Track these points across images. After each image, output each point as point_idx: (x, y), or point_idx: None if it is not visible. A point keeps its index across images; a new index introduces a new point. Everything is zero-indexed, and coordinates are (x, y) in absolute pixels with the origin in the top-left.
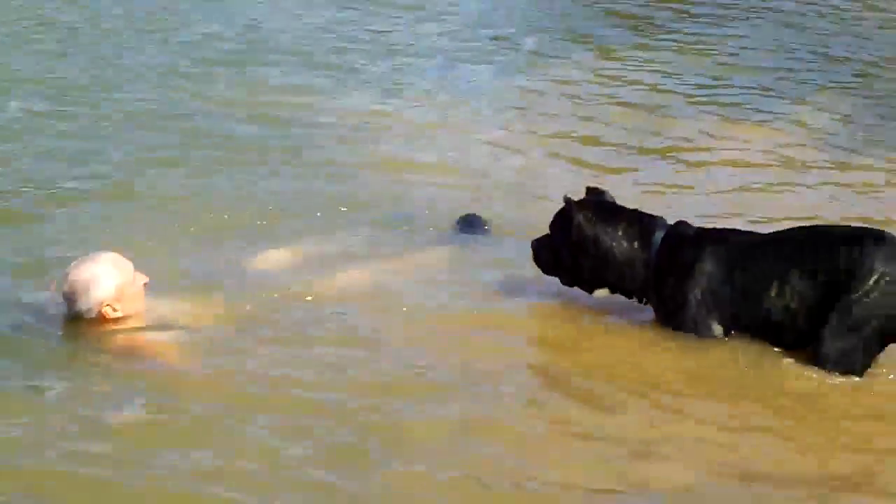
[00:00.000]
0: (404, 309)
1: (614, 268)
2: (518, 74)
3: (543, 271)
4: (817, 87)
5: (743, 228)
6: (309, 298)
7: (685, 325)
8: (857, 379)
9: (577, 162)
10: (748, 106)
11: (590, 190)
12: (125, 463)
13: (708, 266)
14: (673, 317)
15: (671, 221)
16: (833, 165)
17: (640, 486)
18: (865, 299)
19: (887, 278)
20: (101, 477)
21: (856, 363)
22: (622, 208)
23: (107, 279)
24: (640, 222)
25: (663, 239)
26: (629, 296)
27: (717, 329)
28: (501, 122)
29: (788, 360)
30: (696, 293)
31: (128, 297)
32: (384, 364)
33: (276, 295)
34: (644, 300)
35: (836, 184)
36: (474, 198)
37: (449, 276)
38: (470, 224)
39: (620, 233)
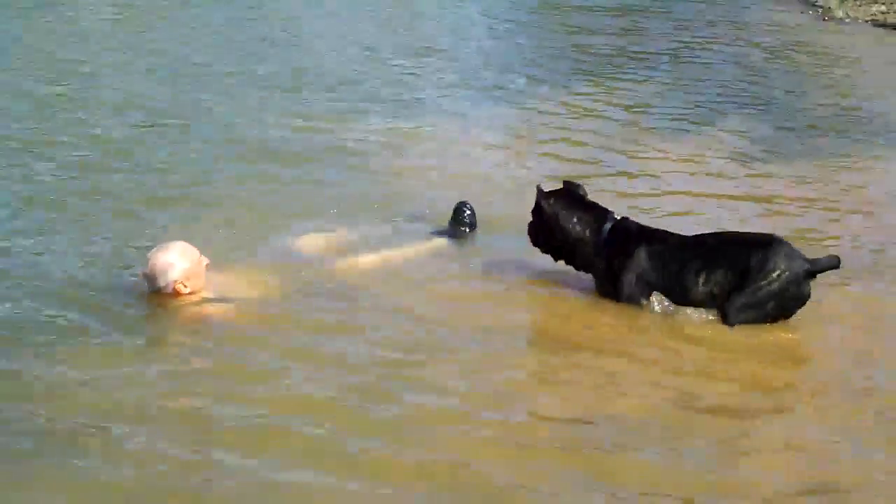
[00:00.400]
0: (416, 284)
1: (568, 245)
2: (510, 104)
3: (533, 243)
4: (727, 113)
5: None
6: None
7: (622, 298)
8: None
9: (552, 170)
10: (678, 127)
11: (565, 182)
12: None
13: (643, 256)
14: (612, 291)
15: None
16: (741, 174)
17: (605, 415)
18: (769, 287)
19: (785, 274)
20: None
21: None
22: (583, 199)
23: (178, 263)
24: (594, 213)
25: (610, 230)
26: (577, 268)
27: (645, 302)
28: (498, 140)
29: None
30: (631, 277)
31: (194, 276)
32: (406, 325)
33: (311, 273)
34: (588, 272)
35: (744, 189)
36: (473, 196)
37: (450, 261)
38: (458, 215)
39: (576, 219)
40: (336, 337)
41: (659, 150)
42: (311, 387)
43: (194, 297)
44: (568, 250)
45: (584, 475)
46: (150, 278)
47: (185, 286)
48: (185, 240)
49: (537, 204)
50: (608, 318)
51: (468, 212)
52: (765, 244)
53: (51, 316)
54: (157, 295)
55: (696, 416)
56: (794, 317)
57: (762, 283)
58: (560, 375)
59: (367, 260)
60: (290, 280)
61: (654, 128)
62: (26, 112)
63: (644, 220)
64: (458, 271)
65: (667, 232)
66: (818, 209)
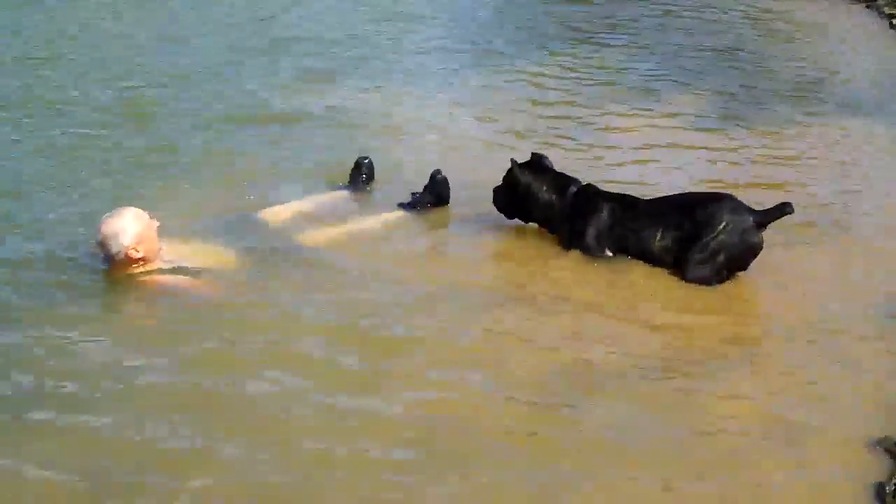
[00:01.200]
0: (384, 249)
1: (538, 209)
2: (487, 67)
3: (496, 208)
4: (704, 76)
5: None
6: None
7: (585, 250)
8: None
9: (528, 132)
10: (652, 90)
11: (533, 154)
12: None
13: (604, 214)
14: (575, 243)
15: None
16: (715, 133)
17: (579, 363)
18: (716, 240)
19: (731, 226)
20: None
21: (710, 280)
22: (550, 169)
23: (129, 228)
24: (560, 180)
25: (574, 193)
26: (546, 228)
27: (607, 253)
28: (474, 101)
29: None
30: (593, 231)
31: (146, 240)
32: (374, 285)
33: (275, 241)
34: (554, 232)
35: (714, 149)
36: (446, 158)
37: (420, 226)
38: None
39: (545, 186)
40: (301, 300)
41: (634, 111)
42: (281, 347)
43: (150, 266)
44: (538, 215)
45: (560, 420)
46: (103, 245)
47: (138, 251)
48: (147, 207)
49: (513, 175)
50: (574, 275)
51: (367, 161)
52: (711, 200)
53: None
54: (113, 267)
55: (665, 365)
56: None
57: (710, 236)
58: (532, 328)
59: (331, 231)
60: (253, 248)
61: (631, 88)
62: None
63: (616, 176)
64: (427, 235)
65: (627, 195)
66: (787, 166)
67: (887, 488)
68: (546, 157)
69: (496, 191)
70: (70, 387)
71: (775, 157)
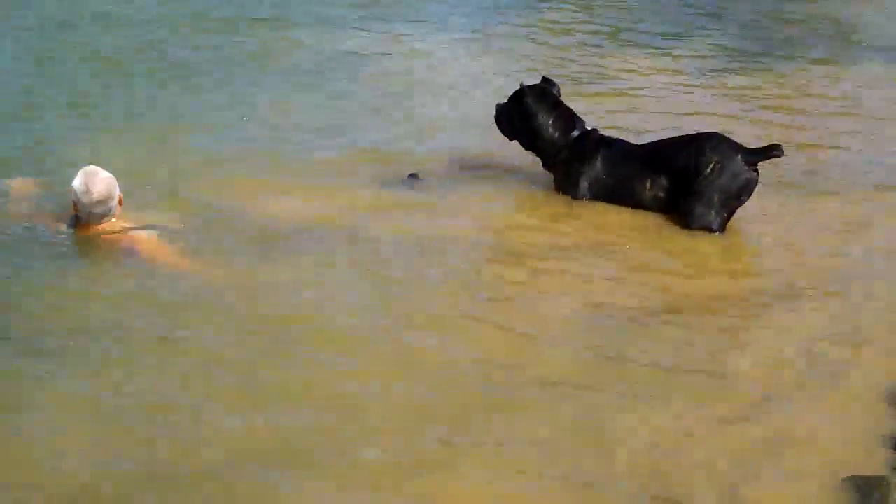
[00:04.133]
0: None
1: (540, 141)
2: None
3: (497, 125)
4: (705, 28)
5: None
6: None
7: (576, 197)
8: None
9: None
10: (654, 41)
11: (544, 79)
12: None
13: (598, 162)
14: (568, 190)
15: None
16: (716, 81)
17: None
18: (708, 180)
19: (719, 165)
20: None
21: (712, 223)
22: (560, 103)
23: (111, 177)
24: (566, 119)
25: (576, 137)
26: (541, 160)
27: (593, 200)
28: (475, 52)
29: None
30: (585, 180)
31: (112, 198)
32: (367, 246)
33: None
34: (549, 170)
35: (716, 92)
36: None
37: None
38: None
39: (551, 120)
40: (279, 264)
41: (635, 62)
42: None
43: (119, 225)
44: (536, 145)
45: (595, 355)
46: (102, 199)
47: (121, 202)
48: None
49: (521, 97)
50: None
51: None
52: (695, 140)
53: None
54: (78, 226)
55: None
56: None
57: (702, 178)
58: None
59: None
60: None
61: (632, 42)
62: None
63: (619, 122)
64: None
65: (624, 141)
66: (788, 113)
67: None
68: (556, 86)
69: (500, 107)
70: None
71: (783, 106)
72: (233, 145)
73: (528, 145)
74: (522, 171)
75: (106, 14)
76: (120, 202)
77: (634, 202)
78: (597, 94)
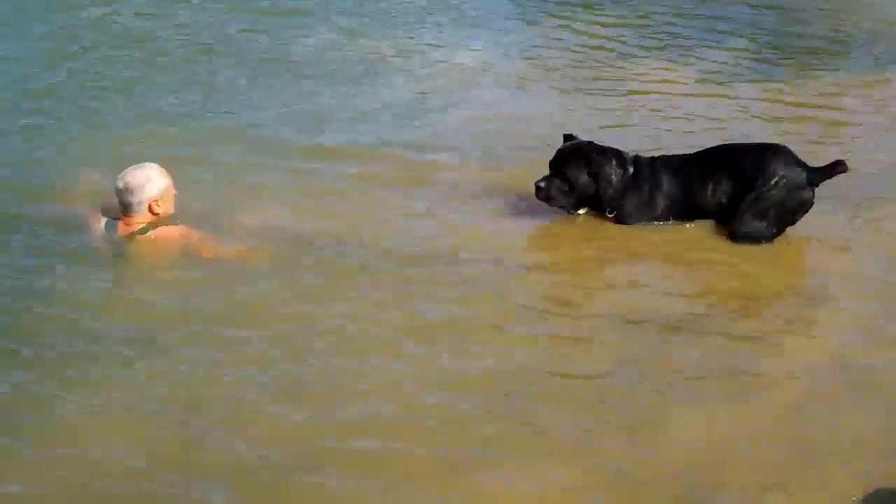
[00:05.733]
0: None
1: (610, 191)
2: (499, 31)
3: (547, 201)
4: (718, 34)
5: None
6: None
7: (654, 219)
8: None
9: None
10: (671, 49)
11: (566, 137)
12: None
13: (665, 181)
14: (643, 215)
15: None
16: (739, 88)
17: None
18: (769, 193)
19: (784, 179)
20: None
21: (762, 236)
22: (602, 148)
23: (156, 180)
24: (618, 157)
25: (634, 167)
26: (604, 210)
27: (671, 219)
28: (486, 61)
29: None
30: (661, 199)
31: (167, 199)
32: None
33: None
34: (611, 211)
35: (742, 103)
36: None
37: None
38: None
39: (612, 168)
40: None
41: (649, 68)
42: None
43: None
44: (600, 196)
45: (631, 360)
46: (125, 192)
47: (158, 205)
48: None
49: (587, 158)
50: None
51: None
52: (765, 151)
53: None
54: (123, 214)
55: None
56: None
57: (762, 190)
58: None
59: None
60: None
61: (652, 47)
62: None
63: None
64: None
65: (675, 155)
66: (816, 123)
67: None
68: (576, 136)
69: (547, 185)
70: None
71: (806, 115)
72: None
73: (587, 203)
74: None
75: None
76: (152, 210)
77: (701, 211)
78: (614, 102)
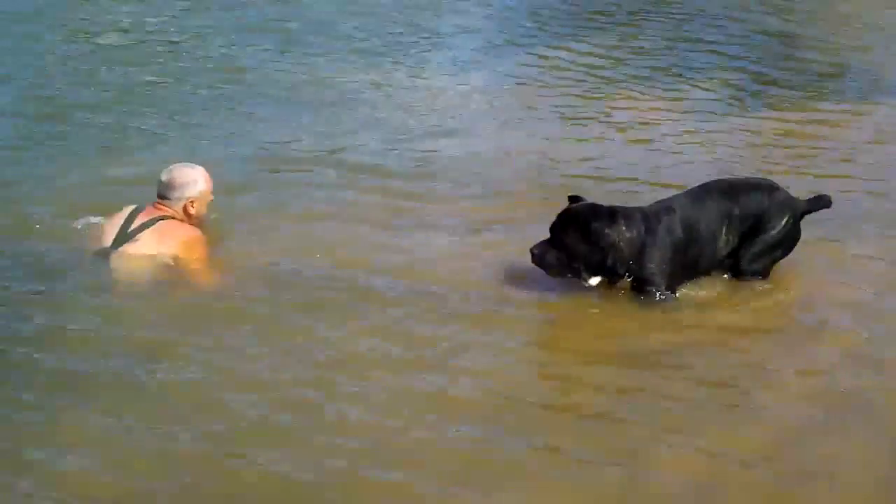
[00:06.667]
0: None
1: (617, 253)
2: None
3: (551, 272)
4: (702, 67)
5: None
6: None
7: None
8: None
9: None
10: (655, 78)
11: (571, 198)
12: None
13: (678, 227)
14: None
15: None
16: (729, 117)
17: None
18: (779, 234)
19: (791, 220)
20: None
21: (764, 272)
22: (612, 209)
23: (200, 181)
24: (627, 218)
25: (644, 223)
26: (618, 276)
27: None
28: (478, 85)
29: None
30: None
31: (204, 202)
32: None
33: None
34: (627, 274)
35: (729, 131)
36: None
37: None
38: None
39: (623, 228)
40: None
41: (635, 97)
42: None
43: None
44: (614, 264)
45: (626, 389)
46: (168, 186)
47: (193, 206)
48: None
49: (587, 226)
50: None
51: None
52: (765, 190)
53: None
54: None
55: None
56: None
57: (773, 231)
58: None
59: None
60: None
61: (642, 76)
62: None
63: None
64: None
65: (672, 198)
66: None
67: None
68: (582, 198)
69: (542, 252)
70: None
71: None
72: None
73: (599, 271)
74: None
75: None
76: (186, 209)
77: (716, 250)
78: (600, 130)
